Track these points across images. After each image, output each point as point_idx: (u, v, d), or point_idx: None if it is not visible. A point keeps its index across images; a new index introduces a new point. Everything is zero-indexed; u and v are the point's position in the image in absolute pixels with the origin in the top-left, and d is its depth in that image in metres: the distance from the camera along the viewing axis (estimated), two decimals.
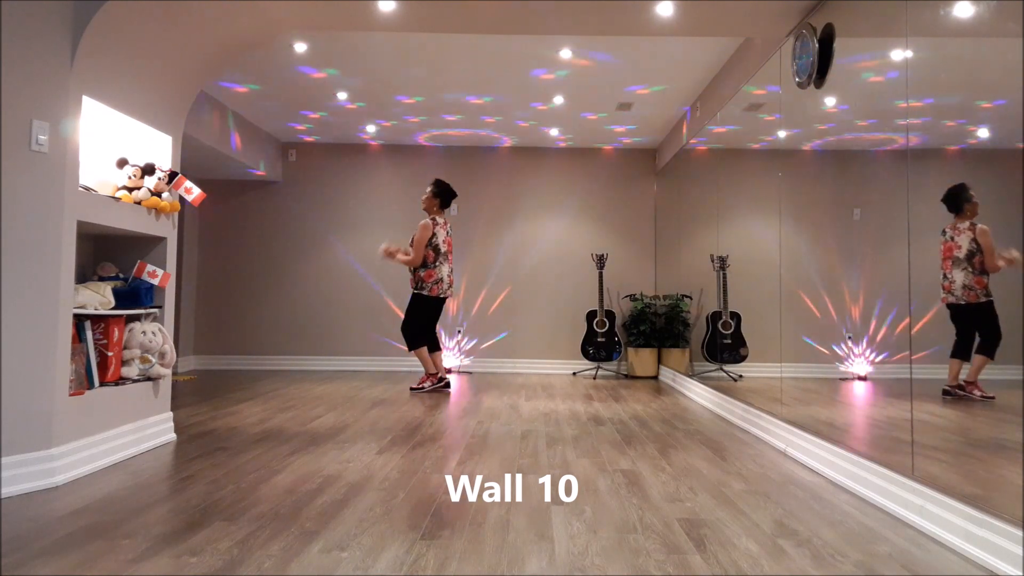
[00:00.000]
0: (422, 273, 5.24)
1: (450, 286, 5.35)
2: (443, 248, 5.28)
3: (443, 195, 5.37)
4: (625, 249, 7.33)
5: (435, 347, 5.44)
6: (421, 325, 5.31)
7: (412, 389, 5.36)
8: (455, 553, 1.97)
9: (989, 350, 2.04)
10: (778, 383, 3.66)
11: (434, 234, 5.24)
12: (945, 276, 2.14)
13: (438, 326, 6.32)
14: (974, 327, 2.07)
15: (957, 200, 2.11)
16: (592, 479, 2.81)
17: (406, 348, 5.43)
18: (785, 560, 1.94)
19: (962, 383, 2.14)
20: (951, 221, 2.16)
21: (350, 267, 7.26)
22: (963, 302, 2.09)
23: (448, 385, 5.46)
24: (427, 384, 5.34)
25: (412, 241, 5.27)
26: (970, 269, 2.05)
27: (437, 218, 5.31)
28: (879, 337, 2.65)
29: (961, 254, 2.08)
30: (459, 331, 7.25)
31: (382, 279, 7.25)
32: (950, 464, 2.17)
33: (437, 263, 5.25)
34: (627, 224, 7.34)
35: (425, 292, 5.23)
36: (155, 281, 3.34)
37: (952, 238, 2.12)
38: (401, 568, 1.85)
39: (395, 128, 6.66)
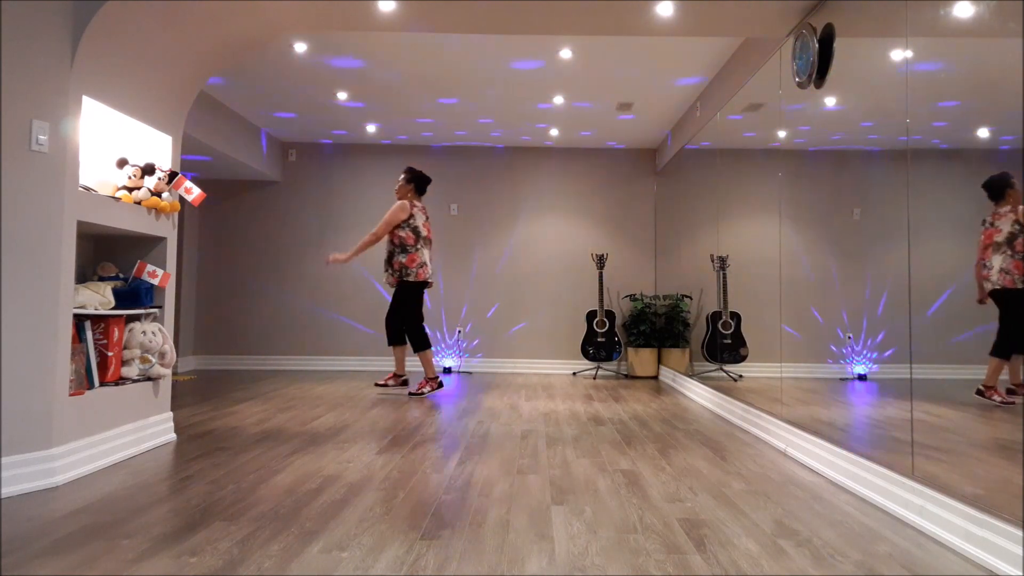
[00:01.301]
0: (403, 259, 5.02)
1: (433, 272, 5.21)
2: (423, 232, 5.12)
3: (417, 181, 5.21)
4: (625, 249, 7.33)
5: (401, 341, 5.21)
6: (420, 318, 5.13)
7: (410, 394, 5.27)
8: (455, 553, 1.97)
9: (1002, 349, 1.97)
10: (778, 383, 3.66)
11: (412, 216, 5.05)
12: (984, 265, 2.07)
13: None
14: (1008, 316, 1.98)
15: (999, 187, 2.03)
16: (592, 479, 2.81)
17: (396, 344, 5.17)
18: (785, 560, 1.94)
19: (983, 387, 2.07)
20: (988, 212, 2.05)
21: (350, 267, 7.26)
22: (999, 286, 2.02)
23: (405, 384, 5.33)
24: (426, 388, 5.21)
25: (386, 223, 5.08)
26: (1010, 252, 1.99)
27: (415, 202, 5.16)
28: (879, 337, 2.65)
29: (1001, 237, 2.01)
30: (459, 331, 7.25)
31: (380, 280, 7.24)
32: (950, 464, 2.17)
33: (419, 246, 5.07)
34: (627, 224, 7.34)
35: (411, 278, 5.02)
36: (155, 281, 3.34)
37: (992, 223, 2.05)
38: (401, 568, 1.85)
39: (395, 128, 6.66)
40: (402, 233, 5.05)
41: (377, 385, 5.38)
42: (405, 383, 5.38)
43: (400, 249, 5.05)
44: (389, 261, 5.10)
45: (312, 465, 2.99)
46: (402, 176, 5.24)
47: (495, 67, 4.89)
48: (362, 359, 7.20)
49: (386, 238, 5.12)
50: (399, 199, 5.21)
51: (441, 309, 7.27)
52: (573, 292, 7.29)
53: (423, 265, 5.08)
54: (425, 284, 5.15)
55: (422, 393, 5.22)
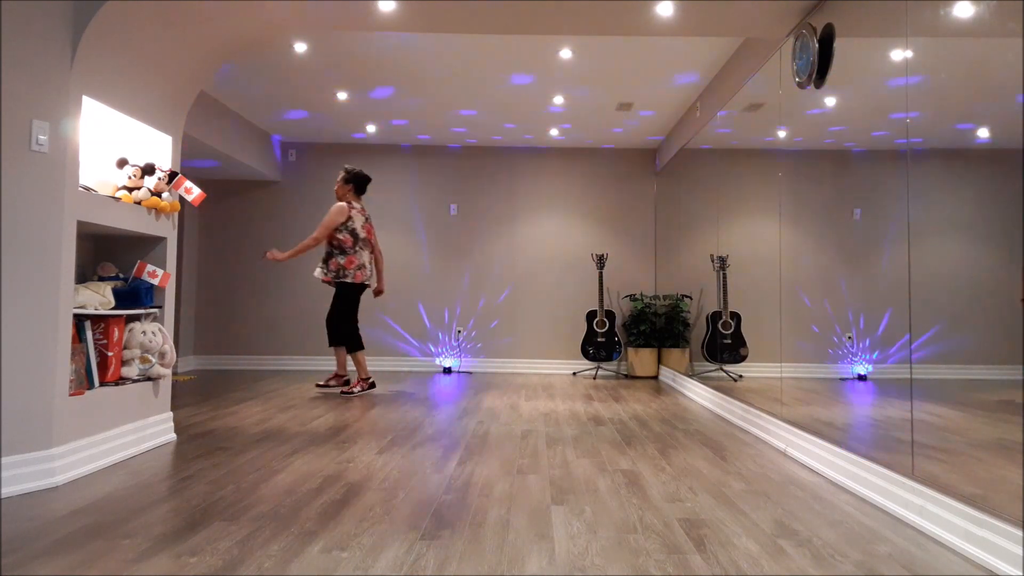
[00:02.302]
0: (342, 260, 5.05)
1: (371, 275, 5.21)
2: (362, 234, 5.12)
3: (355, 181, 5.21)
4: (625, 249, 7.33)
5: (341, 342, 5.22)
6: (355, 319, 5.15)
7: (343, 392, 5.23)
8: (455, 553, 1.97)
9: None
10: (778, 383, 3.66)
11: (350, 218, 5.06)
12: None
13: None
14: None
15: None
16: (592, 479, 2.81)
17: (336, 345, 5.19)
18: (785, 560, 1.94)
19: None
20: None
21: None
22: None
23: (347, 384, 5.31)
24: (357, 388, 5.22)
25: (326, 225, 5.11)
26: None
27: (354, 203, 5.17)
28: (879, 337, 2.65)
29: None
30: (459, 331, 7.25)
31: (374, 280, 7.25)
32: (950, 464, 2.17)
33: (357, 249, 5.09)
34: (627, 224, 7.34)
35: (349, 279, 5.05)
36: (155, 281, 3.34)
37: None
38: (401, 568, 1.85)
39: (395, 128, 6.66)
40: (340, 236, 5.06)
41: (318, 386, 5.36)
42: (347, 383, 5.36)
43: (339, 251, 5.07)
44: (326, 261, 5.12)
45: (312, 465, 2.99)
46: (340, 175, 5.25)
47: (496, 67, 4.89)
48: None
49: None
50: (338, 196, 5.24)
51: (442, 309, 7.27)
52: (573, 292, 7.29)
53: (361, 267, 5.11)
54: (363, 286, 5.17)
55: (353, 392, 5.22)
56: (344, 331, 5.15)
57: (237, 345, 7.22)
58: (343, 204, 5.09)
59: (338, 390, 5.38)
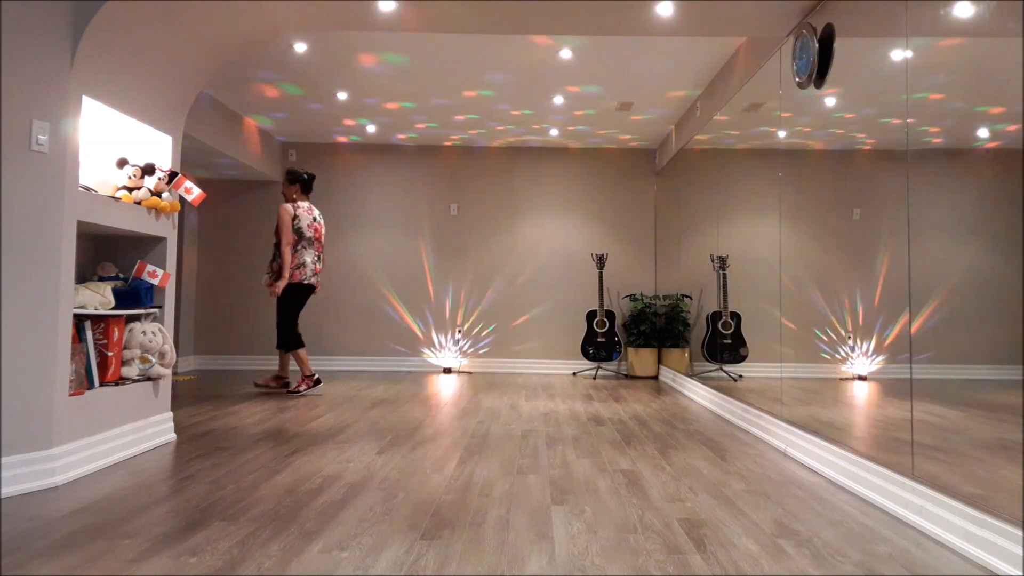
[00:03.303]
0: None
1: (315, 274, 5.19)
2: (308, 233, 5.13)
3: (298, 181, 5.25)
4: (625, 249, 7.34)
5: (297, 344, 5.22)
6: (295, 321, 5.16)
7: (289, 392, 5.20)
8: (455, 553, 1.97)
9: None
10: (778, 383, 3.66)
11: (296, 217, 5.09)
12: None
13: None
14: None
15: None
16: (592, 479, 2.81)
17: (283, 348, 5.19)
18: (785, 560, 1.94)
19: None
20: None
21: (349, 267, 7.26)
22: None
23: (287, 387, 5.32)
24: (303, 387, 5.21)
25: (275, 231, 5.14)
26: None
27: (300, 203, 5.19)
28: (879, 337, 2.65)
29: None
30: (459, 331, 7.25)
31: (381, 280, 7.25)
32: (950, 464, 2.17)
33: (300, 247, 5.10)
34: (627, 224, 7.34)
35: (289, 280, 5.07)
36: (155, 281, 3.34)
37: None
38: (401, 568, 1.85)
39: (395, 128, 6.66)
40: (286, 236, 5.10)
41: (289, 392, 5.27)
42: (287, 385, 5.33)
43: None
44: (271, 263, 5.15)
45: (312, 465, 2.99)
46: (284, 177, 5.29)
47: (495, 68, 4.89)
48: (361, 359, 7.20)
49: (272, 240, 5.13)
50: (286, 200, 5.27)
51: (442, 309, 7.27)
52: (573, 292, 7.29)
53: (300, 267, 5.10)
54: (302, 287, 5.13)
55: (299, 392, 5.20)
56: (282, 332, 5.14)
57: (237, 345, 7.22)
58: (287, 204, 5.13)
59: (283, 391, 5.30)
